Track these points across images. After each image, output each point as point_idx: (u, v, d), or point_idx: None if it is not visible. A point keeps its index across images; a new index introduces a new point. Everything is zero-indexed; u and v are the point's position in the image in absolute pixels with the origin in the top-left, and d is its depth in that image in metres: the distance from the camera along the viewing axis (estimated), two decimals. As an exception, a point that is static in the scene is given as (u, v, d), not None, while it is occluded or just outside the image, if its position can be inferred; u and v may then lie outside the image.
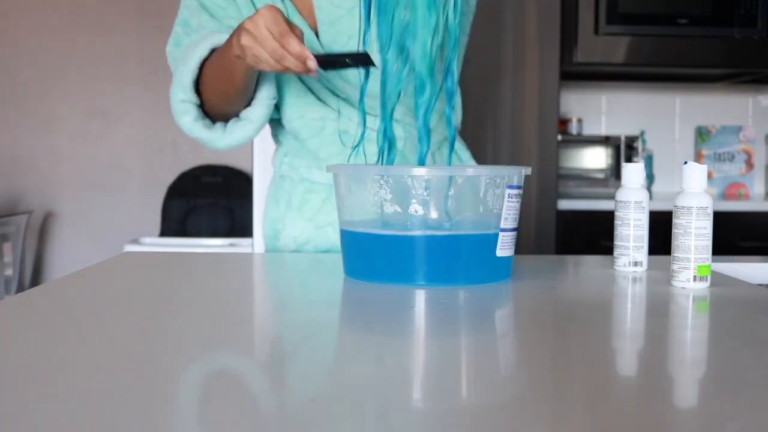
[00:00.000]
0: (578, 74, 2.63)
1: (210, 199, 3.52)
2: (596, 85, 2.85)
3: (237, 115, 1.22)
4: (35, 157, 3.65)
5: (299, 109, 1.23)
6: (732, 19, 2.37)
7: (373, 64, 1.04)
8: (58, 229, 3.70)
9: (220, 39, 1.15)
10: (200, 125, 1.19)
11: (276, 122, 1.29)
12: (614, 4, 2.34)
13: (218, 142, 1.22)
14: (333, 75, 1.19)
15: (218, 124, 1.21)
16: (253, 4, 1.21)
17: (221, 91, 1.17)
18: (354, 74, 1.19)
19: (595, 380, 0.59)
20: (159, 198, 3.58)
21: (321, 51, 1.19)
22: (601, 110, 2.87)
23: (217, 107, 1.20)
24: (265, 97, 1.19)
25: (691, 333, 0.79)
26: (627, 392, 0.58)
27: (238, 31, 1.05)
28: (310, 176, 1.25)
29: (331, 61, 1.06)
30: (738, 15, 2.37)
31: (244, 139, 1.22)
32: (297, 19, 1.19)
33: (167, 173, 3.60)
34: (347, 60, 1.05)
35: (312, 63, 1.03)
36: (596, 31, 2.34)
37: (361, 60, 1.04)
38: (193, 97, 1.18)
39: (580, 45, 2.34)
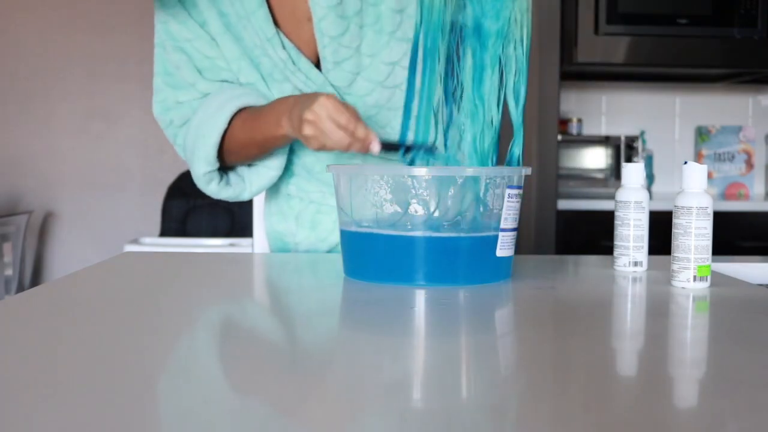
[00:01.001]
0: (578, 74, 2.63)
1: (210, 199, 3.51)
2: (596, 85, 2.85)
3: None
4: (35, 157, 3.65)
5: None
6: (732, 19, 2.37)
7: (437, 152, 1.03)
8: (58, 229, 3.70)
9: (235, 106, 1.15)
10: (223, 185, 1.21)
11: None
12: (614, 4, 2.34)
13: (243, 195, 1.23)
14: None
15: (234, 179, 1.22)
16: (247, 55, 1.17)
17: (249, 155, 1.18)
18: (378, 106, 1.19)
19: (595, 380, 0.59)
20: (159, 198, 3.58)
21: (329, 88, 1.18)
22: (601, 110, 2.87)
23: (234, 163, 1.21)
24: (283, 147, 1.20)
25: (691, 333, 0.79)
26: (627, 392, 0.58)
27: (296, 120, 1.05)
28: (322, 200, 1.25)
29: (393, 146, 1.06)
30: (738, 15, 2.37)
31: (266, 186, 1.23)
32: (301, 60, 1.17)
33: (167, 173, 3.60)
34: (410, 148, 1.04)
35: (376, 147, 1.03)
36: (596, 31, 2.34)
37: (426, 149, 1.03)
38: (216, 165, 1.18)
39: (580, 45, 2.34)
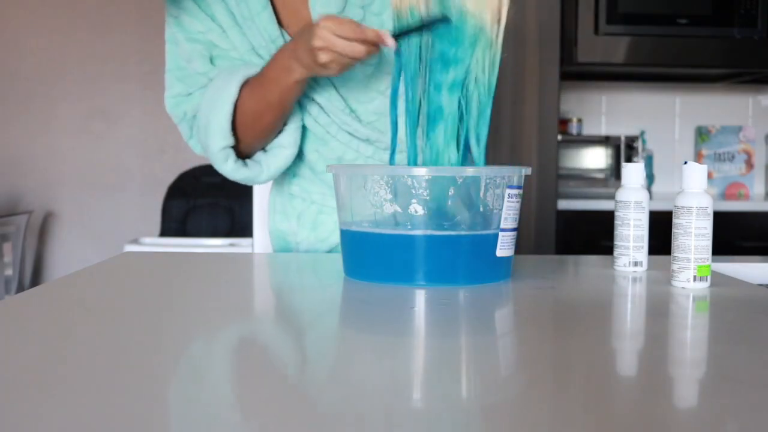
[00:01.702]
0: (578, 74, 2.63)
1: (210, 199, 3.52)
2: (596, 85, 2.85)
3: (263, 147, 1.21)
4: (35, 157, 3.65)
5: (315, 143, 1.21)
6: (732, 19, 2.37)
7: (449, 20, 0.99)
8: (58, 229, 3.70)
9: (244, 75, 1.14)
10: (240, 165, 1.19)
11: None
12: (614, 4, 2.34)
13: (260, 177, 1.21)
14: (352, 119, 1.18)
15: (252, 162, 1.21)
16: (255, 51, 1.18)
17: (263, 126, 1.16)
18: (379, 113, 1.19)
19: (595, 380, 0.59)
20: (159, 198, 3.58)
21: (332, 90, 1.17)
22: (601, 110, 2.87)
23: (250, 145, 1.19)
24: (295, 120, 1.19)
25: (691, 333, 0.79)
26: (627, 392, 0.58)
27: (306, 55, 1.04)
28: (323, 201, 1.25)
29: (408, 30, 1.03)
30: (738, 15, 2.37)
31: (283, 167, 1.21)
32: None
33: (167, 173, 3.60)
34: (422, 27, 1.01)
35: (390, 41, 1.01)
36: (596, 31, 2.34)
37: (437, 22, 1.00)
38: (231, 140, 1.16)
39: (580, 45, 2.34)
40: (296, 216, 1.27)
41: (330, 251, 1.25)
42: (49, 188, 3.67)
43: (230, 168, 1.18)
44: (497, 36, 0.99)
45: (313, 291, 0.97)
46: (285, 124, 1.19)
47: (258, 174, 1.20)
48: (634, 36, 2.37)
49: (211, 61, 1.19)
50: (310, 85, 1.17)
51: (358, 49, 1.01)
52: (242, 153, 1.20)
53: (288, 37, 1.17)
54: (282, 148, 1.20)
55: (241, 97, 1.14)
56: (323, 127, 1.19)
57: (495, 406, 0.53)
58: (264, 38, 1.16)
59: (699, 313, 0.86)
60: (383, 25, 1.13)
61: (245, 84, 1.14)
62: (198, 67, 1.19)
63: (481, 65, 0.99)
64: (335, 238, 1.24)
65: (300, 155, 1.24)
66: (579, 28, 2.34)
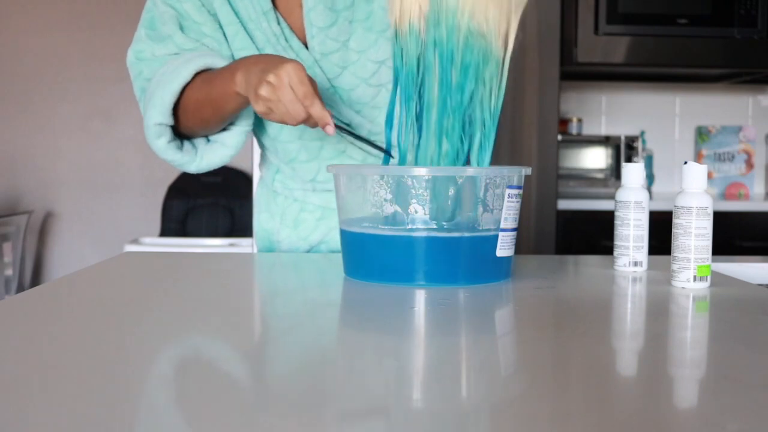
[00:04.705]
0: (578, 74, 2.63)
1: (210, 199, 3.52)
2: (596, 85, 2.85)
3: (207, 136, 1.19)
4: (35, 157, 3.65)
5: (297, 130, 1.20)
6: (732, 19, 2.37)
7: (391, 156, 1.02)
8: (58, 229, 3.70)
9: (204, 63, 1.11)
10: (173, 147, 1.16)
11: (263, 137, 1.25)
12: (614, 4, 2.34)
13: (190, 166, 1.18)
14: (336, 100, 1.18)
15: (188, 146, 1.18)
16: (242, 24, 1.16)
17: (203, 117, 1.13)
18: (362, 103, 1.18)
19: (595, 380, 0.59)
20: (159, 198, 3.58)
21: (318, 70, 1.16)
22: (601, 110, 2.87)
23: (190, 130, 1.17)
24: (244, 124, 1.17)
25: (691, 333, 0.79)
26: (627, 392, 0.58)
27: (255, 78, 1.01)
28: (305, 198, 1.24)
29: (346, 130, 1.04)
30: (738, 15, 2.37)
31: (218, 164, 1.19)
32: (294, 39, 1.16)
33: (167, 173, 3.60)
34: (366, 141, 1.04)
35: (331, 129, 1.00)
36: (596, 31, 2.34)
37: (380, 149, 1.04)
38: (170, 120, 1.13)
39: (580, 45, 2.34)
40: (279, 214, 1.26)
41: (310, 250, 1.25)
42: (49, 188, 3.67)
43: (162, 145, 1.15)
44: (504, 61, 0.98)
45: (313, 291, 0.97)
46: (232, 124, 1.17)
47: (189, 162, 1.18)
48: (634, 36, 2.37)
49: (182, 29, 1.17)
50: (294, 60, 1.16)
51: (297, 110, 0.98)
52: (182, 135, 1.18)
53: (279, 15, 1.16)
54: (223, 146, 1.18)
55: (193, 83, 1.12)
56: None
57: (495, 406, 0.53)
58: (255, 10, 1.15)
59: (699, 313, 0.86)
60: (371, 14, 1.13)
61: (203, 71, 1.13)
62: (168, 29, 1.17)
63: (488, 90, 0.98)
64: (315, 237, 1.24)
65: (278, 152, 1.23)
66: (579, 28, 2.34)
